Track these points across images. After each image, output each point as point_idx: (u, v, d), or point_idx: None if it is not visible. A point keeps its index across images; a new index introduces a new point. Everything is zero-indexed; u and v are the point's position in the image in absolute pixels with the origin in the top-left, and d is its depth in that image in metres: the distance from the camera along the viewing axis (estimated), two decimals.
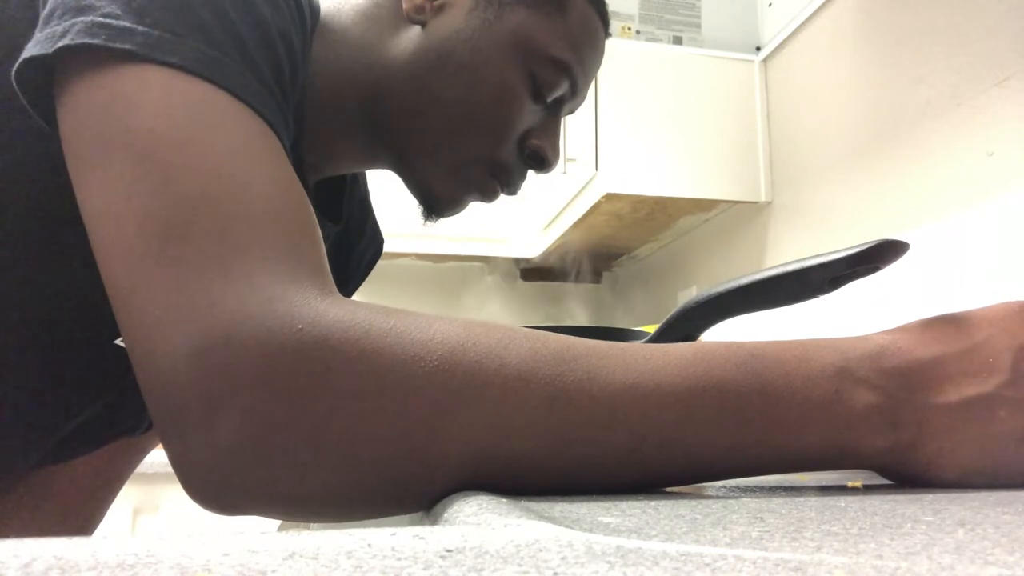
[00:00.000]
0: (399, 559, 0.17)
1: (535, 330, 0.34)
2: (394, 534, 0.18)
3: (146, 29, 0.36)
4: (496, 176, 0.61)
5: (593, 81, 0.65)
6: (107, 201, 0.34)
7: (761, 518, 0.24)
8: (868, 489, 0.34)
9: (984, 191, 1.12)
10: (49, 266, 0.47)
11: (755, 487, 0.37)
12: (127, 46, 0.35)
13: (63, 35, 0.36)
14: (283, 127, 0.41)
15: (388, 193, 0.80)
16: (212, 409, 0.30)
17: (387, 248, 0.81)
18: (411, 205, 0.64)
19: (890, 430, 0.34)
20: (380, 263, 0.80)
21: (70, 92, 0.37)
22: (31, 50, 0.37)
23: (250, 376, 0.30)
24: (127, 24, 0.36)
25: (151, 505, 1.94)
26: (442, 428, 0.31)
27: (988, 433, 0.34)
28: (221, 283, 0.32)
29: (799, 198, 1.64)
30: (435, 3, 0.57)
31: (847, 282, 0.47)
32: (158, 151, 0.34)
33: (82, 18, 0.36)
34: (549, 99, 0.59)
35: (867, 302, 1.14)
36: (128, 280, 0.33)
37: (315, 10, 0.57)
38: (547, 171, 0.63)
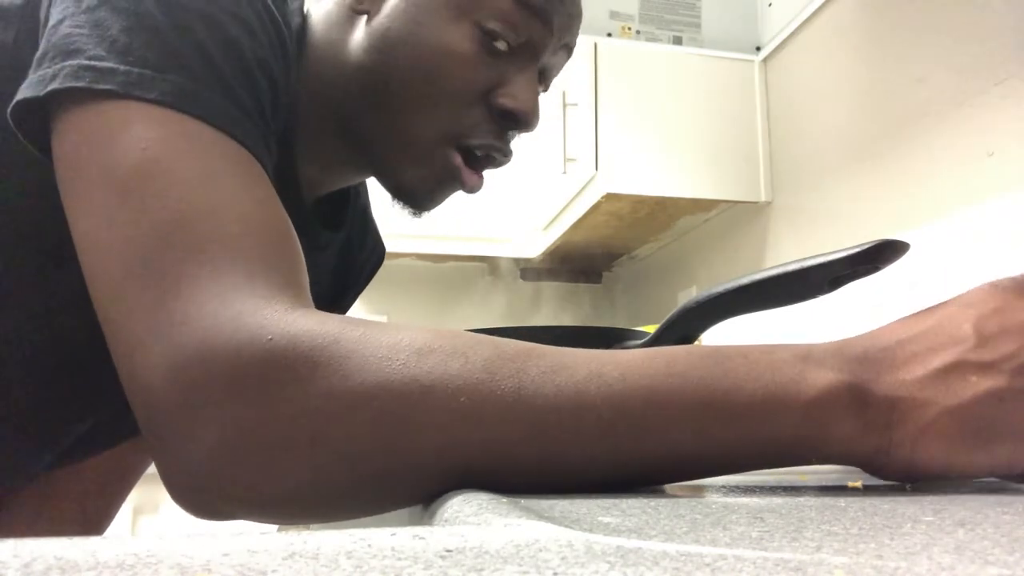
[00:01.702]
0: (399, 559, 0.17)
1: (498, 336, 0.36)
2: (394, 534, 0.18)
3: (127, 68, 0.39)
4: (463, 147, 0.56)
5: (579, 15, 0.58)
6: (92, 230, 0.37)
7: (761, 518, 0.24)
8: (868, 489, 0.34)
9: (984, 191, 1.12)
10: (51, 283, 0.49)
11: (755, 487, 0.37)
12: (109, 86, 0.38)
13: (53, 78, 0.39)
14: (264, 150, 0.43)
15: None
16: (191, 421, 0.32)
17: (387, 248, 0.81)
18: None
19: (859, 411, 0.33)
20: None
21: (61, 128, 0.40)
22: (24, 92, 0.40)
23: (224, 387, 0.32)
24: (111, 65, 0.39)
25: (151, 505, 1.94)
26: (412, 420, 0.32)
27: (964, 400, 0.33)
28: (195, 302, 0.34)
29: (799, 198, 1.64)
30: None
31: (847, 282, 0.47)
32: (135, 182, 0.37)
33: (70, 62, 0.39)
34: (513, 45, 0.54)
35: (867, 302, 1.14)
36: (112, 303, 0.36)
37: (302, 30, 0.56)
38: (526, 128, 0.57)
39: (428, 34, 0.53)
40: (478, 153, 0.56)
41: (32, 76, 0.40)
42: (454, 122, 0.55)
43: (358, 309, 2.41)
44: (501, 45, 0.53)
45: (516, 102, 0.55)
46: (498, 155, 0.58)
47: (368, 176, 0.65)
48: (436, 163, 0.56)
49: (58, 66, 0.39)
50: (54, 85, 0.38)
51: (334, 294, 0.75)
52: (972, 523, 0.23)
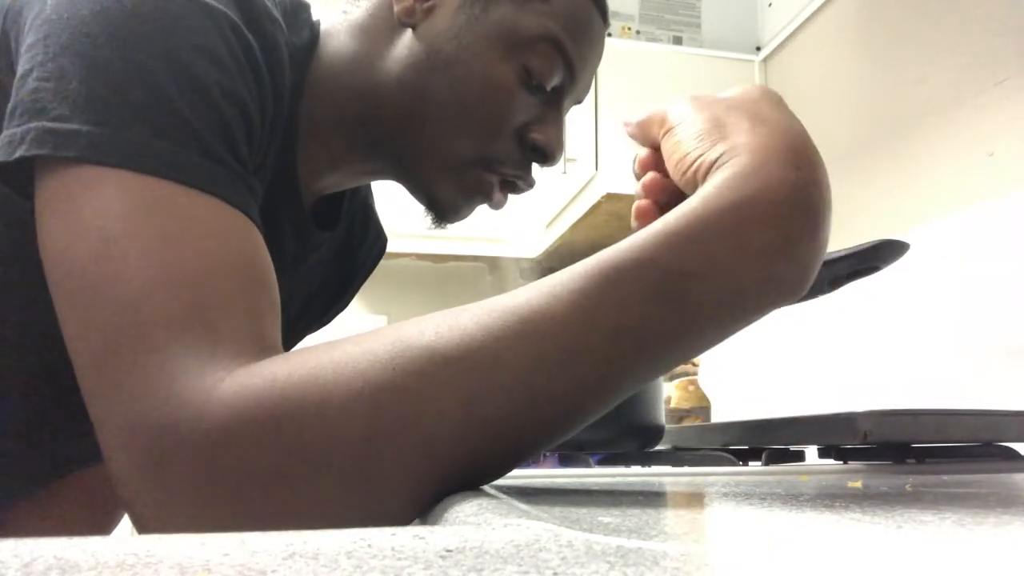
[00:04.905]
0: (399, 559, 0.17)
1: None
2: (394, 534, 0.18)
3: (89, 128, 0.39)
4: (495, 172, 0.60)
5: (594, 73, 0.64)
6: (61, 305, 0.39)
7: (761, 518, 0.24)
8: (868, 489, 0.34)
9: (984, 191, 1.12)
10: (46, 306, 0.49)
11: (755, 488, 0.37)
12: (71, 153, 0.38)
13: (21, 142, 0.39)
14: (241, 189, 0.42)
15: (389, 193, 0.80)
16: (147, 491, 0.35)
17: (387, 248, 0.81)
18: (412, 206, 0.63)
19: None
20: (380, 263, 0.80)
21: (36, 185, 0.40)
22: None
23: (166, 465, 0.34)
24: (73, 127, 0.39)
25: None
26: (375, 468, 0.32)
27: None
28: (141, 389, 0.35)
29: None
30: (425, 5, 0.57)
31: (847, 282, 0.47)
32: (92, 266, 0.37)
33: (35, 123, 0.39)
34: (548, 87, 0.58)
35: (867, 302, 1.14)
36: (81, 376, 0.38)
37: (313, 36, 0.57)
38: (550, 164, 0.62)
39: (478, 62, 0.56)
40: (508, 179, 0.61)
41: (4, 135, 0.40)
42: (488, 147, 0.58)
43: (358, 308, 2.41)
44: (538, 86, 0.58)
45: (547, 138, 0.59)
46: (523, 184, 0.62)
47: (376, 179, 0.66)
48: (470, 181, 0.59)
49: (24, 127, 0.39)
50: (20, 151, 0.39)
51: (333, 290, 0.75)
52: (972, 523, 0.23)
